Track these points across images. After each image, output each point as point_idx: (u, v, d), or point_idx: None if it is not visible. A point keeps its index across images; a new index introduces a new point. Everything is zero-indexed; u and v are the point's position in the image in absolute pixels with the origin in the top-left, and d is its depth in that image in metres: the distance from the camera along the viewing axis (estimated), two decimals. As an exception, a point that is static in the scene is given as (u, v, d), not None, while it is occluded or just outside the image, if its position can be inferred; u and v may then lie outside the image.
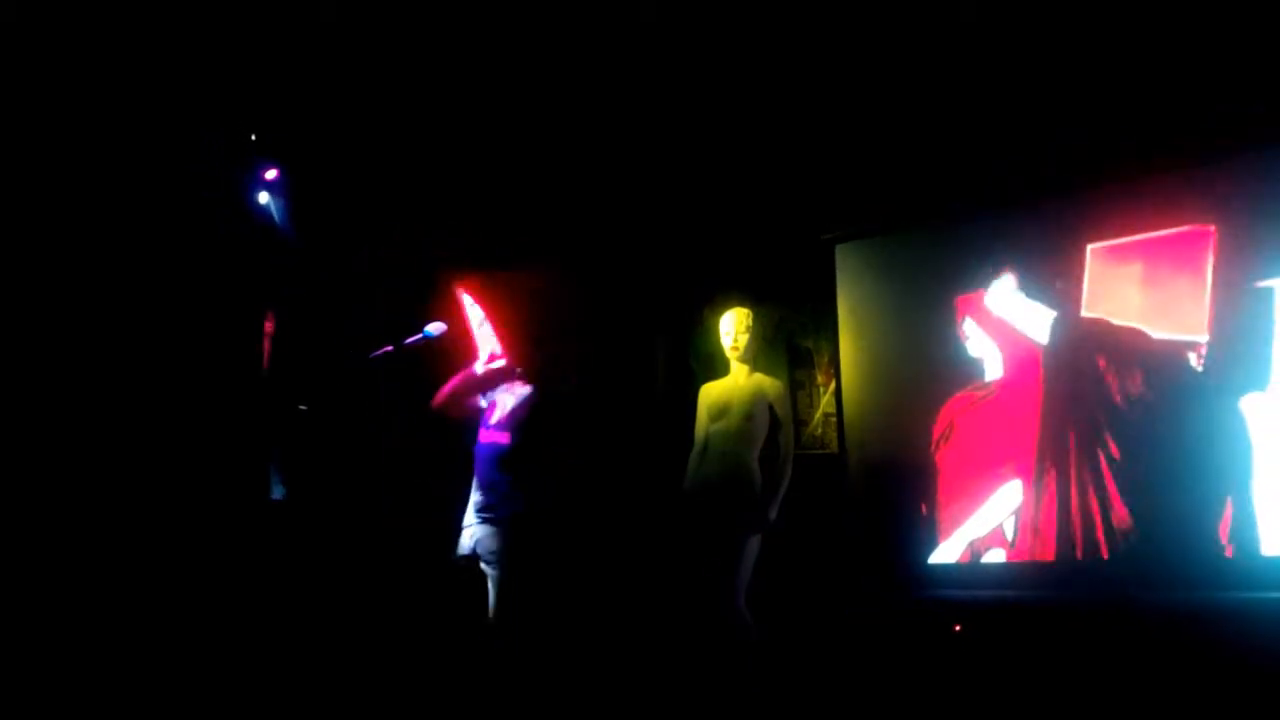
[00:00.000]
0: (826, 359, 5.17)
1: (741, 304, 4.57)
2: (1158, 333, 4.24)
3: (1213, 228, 4.13)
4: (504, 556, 3.72)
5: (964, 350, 4.73)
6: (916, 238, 4.93)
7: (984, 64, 4.41)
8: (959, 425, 4.70)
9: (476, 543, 3.79)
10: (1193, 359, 4.12)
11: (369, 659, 4.17)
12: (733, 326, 4.49)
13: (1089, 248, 4.37)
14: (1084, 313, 4.40)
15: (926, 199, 4.82)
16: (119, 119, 4.26)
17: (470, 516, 3.86)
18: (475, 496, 3.87)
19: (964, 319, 4.73)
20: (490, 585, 3.73)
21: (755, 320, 4.52)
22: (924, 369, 4.78)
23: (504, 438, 3.84)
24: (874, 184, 4.91)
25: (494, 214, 4.99)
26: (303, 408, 4.58)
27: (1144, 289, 4.23)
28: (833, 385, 5.10)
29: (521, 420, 3.84)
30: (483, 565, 3.76)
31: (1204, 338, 4.12)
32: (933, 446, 4.74)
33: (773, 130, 4.93)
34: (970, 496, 4.64)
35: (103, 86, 4.21)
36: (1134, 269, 4.25)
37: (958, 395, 4.72)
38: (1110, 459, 4.27)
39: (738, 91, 4.77)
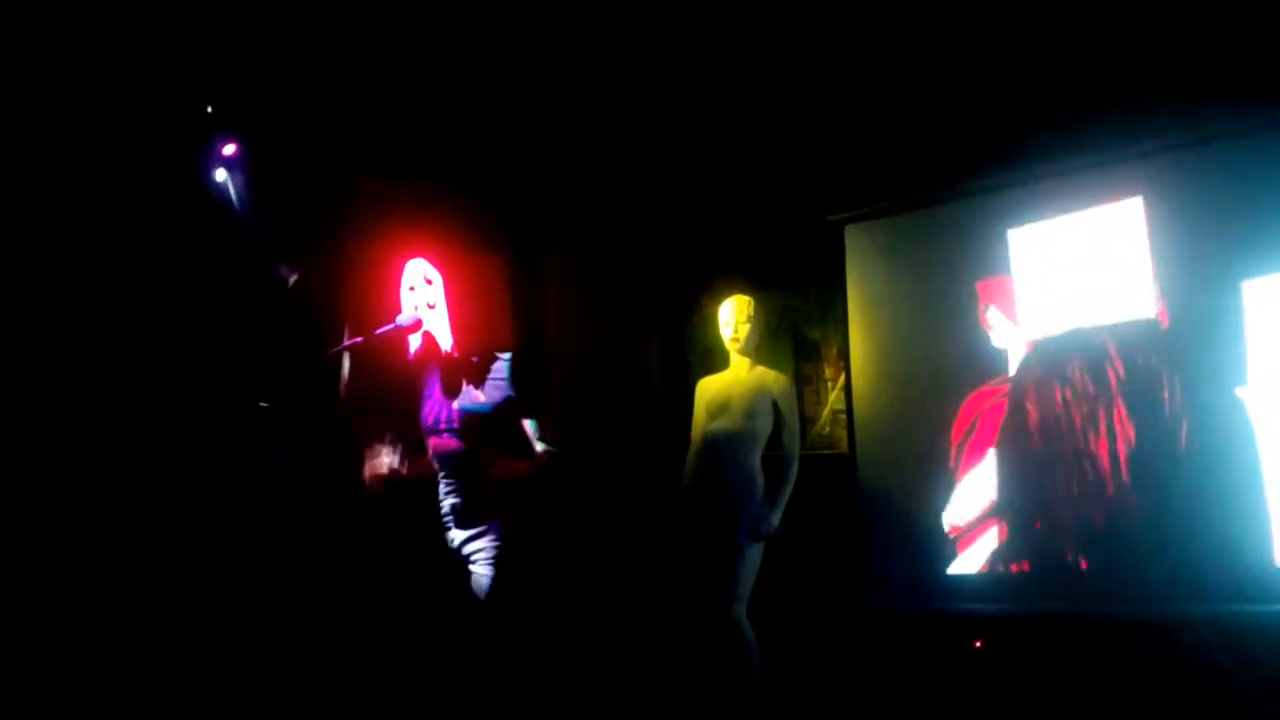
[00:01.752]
0: (835, 351, 5.03)
1: (742, 291, 4.45)
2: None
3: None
4: (491, 559, 3.58)
5: (988, 341, 4.48)
6: (933, 217, 4.70)
7: (1009, 27, 4.27)
8: (982, 424, 4.45)
9: (461, 544, 3.65)
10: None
11: (360, 661, 4.20)
12: (733, 316, 4.38)
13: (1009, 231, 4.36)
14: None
15: (944, 173, 4.63)
16: (64, 89, 4.14)
17: (448, 519, 3.72)
18: (448, 499, 3.70)
19: (987, 307, 4.47)
20: (477, 588, 3.61)
21: (757, 309, 4.40)
22: (943, 362, 4.57)
23: (458, 444, 3.65)
24: (886, 159, 4.74)
25: (471, 192, 4.82)
26: (263, 404, 4.35)
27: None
28: (842, 380, 4.96)
29: (468, 424, 3.64)
30: (470, 568, 3.64)
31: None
32: (954, 447, 4.51)
33: (774, 103, 4.77)
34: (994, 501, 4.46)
35: (46, 54, 4.09)
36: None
37: (980, 390, 4.48)
38: (1126, 462, 4.10)
39: (735, 63, 4.62)
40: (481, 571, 3.59)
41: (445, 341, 3.62)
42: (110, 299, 4.23)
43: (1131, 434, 4.05)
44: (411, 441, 3.75)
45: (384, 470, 3.63)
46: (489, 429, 3.59)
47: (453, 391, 3.69)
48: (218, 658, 4.09)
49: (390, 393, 4.07)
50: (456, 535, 3.66)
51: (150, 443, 4.23)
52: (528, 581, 3.64)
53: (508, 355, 3.67)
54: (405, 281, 3.69)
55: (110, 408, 4.17)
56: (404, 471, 3.63)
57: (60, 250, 4.14)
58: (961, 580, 4.47)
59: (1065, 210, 4.30)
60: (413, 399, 3.87)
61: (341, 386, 4.58)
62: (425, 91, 4.66)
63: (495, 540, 3.58)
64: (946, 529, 4.51)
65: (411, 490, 3.75)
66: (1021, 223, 4.40)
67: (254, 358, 4.37)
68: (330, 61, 4.43)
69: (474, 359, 3.66)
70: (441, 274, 3.60)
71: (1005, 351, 4.43)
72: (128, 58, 4.20)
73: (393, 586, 4.26)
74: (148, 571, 4.11)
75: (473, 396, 3.69)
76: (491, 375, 3.69)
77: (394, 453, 3.64)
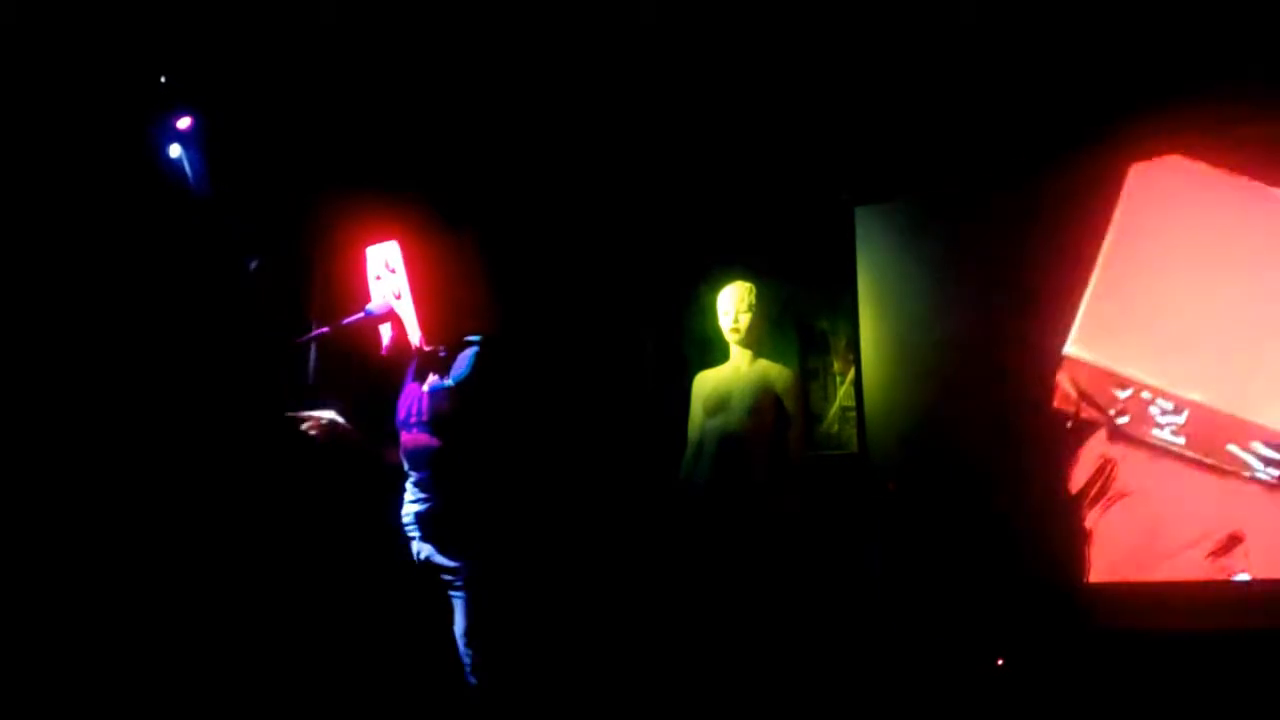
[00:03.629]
0: (844, 343, 4.88)
1: (744, 278, 4.38)
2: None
3: None
4: (469, 573, 3.42)
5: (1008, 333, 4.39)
6: (952, 197, 4.60)
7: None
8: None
9: (429, 556, 3.49)
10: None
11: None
12: (733, 304, 4.31)
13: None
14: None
15: (964, 151, 4.50)
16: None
17: (412, 528, 3.54)
18: (415, 504, 3.52)
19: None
20: (456, 607, 3.45)
21: (759, 297, 4.33)
22: (962, 354, 4.48)
23: (430, 439, 3.48)
24: (901, 134, 4.58)
25: (446, 164, 4.71)
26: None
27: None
28: (851, 374, 4.81)
29: (445, 416, 3.48)
30: (449, 590, 3.49)
31: None
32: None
33: (780, 72, 4.60)
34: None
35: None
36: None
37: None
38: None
39: (736, 30, 4.46)
40: (457, 594, 3.45)
41: (414, 334, 3.48)
42: (58, 286, 4.14)
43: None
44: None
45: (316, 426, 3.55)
46: (460, 414, 3.44)
47: (422, 382, 3.61)
48: (204, 659, 4.12)
49: (360, 389, 3.97)
50: (423, 548, 3.50)
51: (120, 440, 4.17)
52: (510, 599, 3.51)
53: (477, 338, 3.54)
54: (370, 270, 3.57)
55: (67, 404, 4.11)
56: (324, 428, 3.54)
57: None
58: (980, 591, 4.37)
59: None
60: (386, 395, 3.72)
61: (310, 379, 4.50)
62: (397, 60, 4.53)
63: (466, 554, 3.43)
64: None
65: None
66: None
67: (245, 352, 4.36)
68: (292, 28, 4.32)
69: (442, 353, 3.53)
70: (405, 261, 3.46)
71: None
72: (71, 24, 4.07)
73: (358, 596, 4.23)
74: (131, 572, 4.12)
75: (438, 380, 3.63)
76: (458, 362, 3.59)
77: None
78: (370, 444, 3.57)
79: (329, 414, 3.50)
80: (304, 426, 3.47)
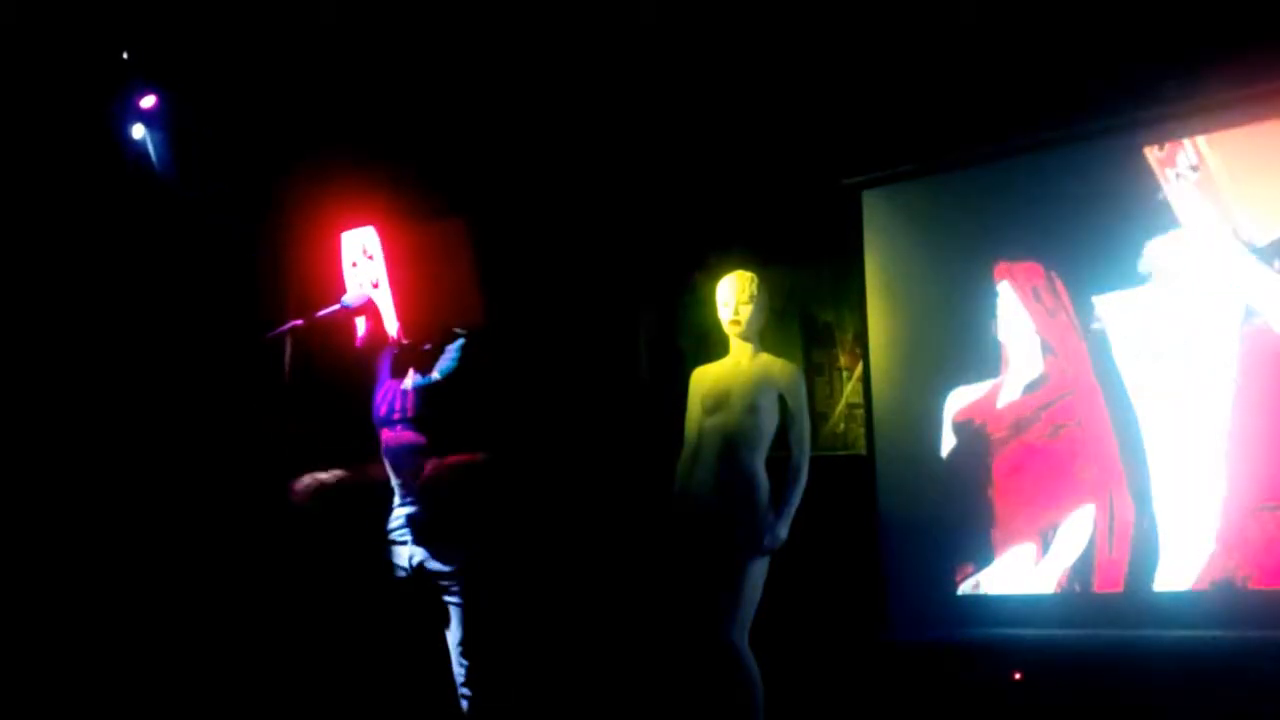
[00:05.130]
0: (851, 336, 4.86)
1: (744, 266, 4.28)
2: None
3: None
4: (464, 578, 3.41)
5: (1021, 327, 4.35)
6: (965, 181, 4.53)
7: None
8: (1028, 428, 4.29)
9: (422, 562, 3.46)
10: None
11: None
12: (733, 295, 4.20)
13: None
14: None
15: (979, 130, 4.41)
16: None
17: (402, 532, 3.51)
18: (405, 507, 3.49)
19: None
20: (453, 614, 3.44)
21: (761, 287, 4.22)
22: (974, 350, 4.41)
23: (415, 436, 3.45)
24: (911, 113, 4.50)
25: (427, 144, 4.64)
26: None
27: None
28: (859, 369, 4.79)
29: (431, 413, 3.45)
30: (444, 596, 3.47)
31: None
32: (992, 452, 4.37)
33: (781, 48, 4.53)
34: (1034, 517, 4.30)
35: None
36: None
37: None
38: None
39: (734, 5, 4.41)
40: (452, 600, 3.41)
41: (391, 325, 3.43)
42: (16, 277, 4.16)
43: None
44: (350, 444, 3.57)
45: (311, 481, 3.47)
46: (448, 411, 3.40)
47: (402, 377, 3.56)
48: (185, 675, 4.15)
49: (336, 385, 3.90)
50: (415, 552, 3.45)
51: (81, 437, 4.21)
52: (507, 605, 3.53)
53: (462, 335, 3.51)
54: (346, 257, 3.52)
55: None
56: (332, 480, 3.48)
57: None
58: (998, 602, 4.34)
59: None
60: (361, 391, 3.66)
61: (285, 377, 4.36)
62: (378, 35, 4.46)
63: (460, 559, 3.40)
64: (982, 541, 4.39)
65: (349, 499, 3.58)
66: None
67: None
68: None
69: (426, 347, 3.47)
70: (385, 246, 3.41)
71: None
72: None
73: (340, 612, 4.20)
74: (108, 575, 4.16)
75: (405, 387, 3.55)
76: (444, 355, 3.53)
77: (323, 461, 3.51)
78: (354, 475, 3.52)
79: (306, 480, 3.44)
80: (294, 500, 3.42)
